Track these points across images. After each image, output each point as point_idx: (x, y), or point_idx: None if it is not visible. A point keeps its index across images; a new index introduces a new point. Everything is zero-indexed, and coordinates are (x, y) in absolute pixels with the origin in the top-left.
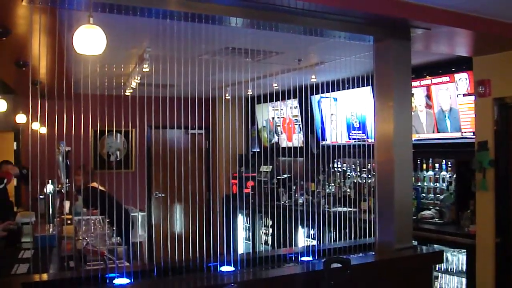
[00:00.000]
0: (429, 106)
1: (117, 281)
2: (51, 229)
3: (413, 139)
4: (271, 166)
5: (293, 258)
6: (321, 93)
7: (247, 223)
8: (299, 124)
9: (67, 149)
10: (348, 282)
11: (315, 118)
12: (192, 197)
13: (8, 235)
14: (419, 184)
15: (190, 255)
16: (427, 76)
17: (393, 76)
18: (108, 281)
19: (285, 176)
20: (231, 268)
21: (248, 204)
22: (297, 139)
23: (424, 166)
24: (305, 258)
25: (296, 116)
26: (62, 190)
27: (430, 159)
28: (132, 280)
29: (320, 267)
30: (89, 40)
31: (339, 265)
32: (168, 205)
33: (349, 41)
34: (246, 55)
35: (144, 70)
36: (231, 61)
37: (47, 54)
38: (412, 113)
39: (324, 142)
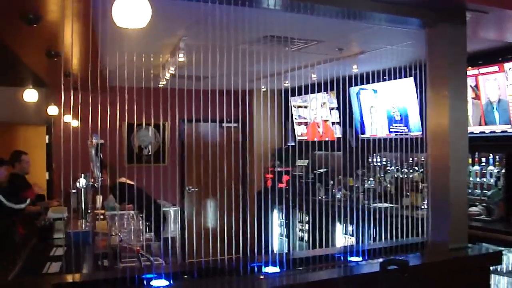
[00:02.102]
0: (476, 97)
1: (155, 282)
2: (83, 225)
3: None
4: (307, 160)
5: (341, 258)
6: (360, 84)
7: (282, 219)
8: (332, 121)
9: (100, 142)
10: (405, 285)
11: (354, 111)
12: (226, 192)
13: (40, 230)
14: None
15: (225, 252)
16: (474, 66)
17: (447, 64)
18: (145, 282)
19: (322, 170)
20: (276, 269)
21: (284, 199)
22: (335, 132)
23: (470, 160)
24: (354, 259)
25: (333, 108)
26: (96, 185)
27: (476, 153)
28: (172, 282)
29: (375, 269)
30: (131, 10)
31: (395, 267)
32: (201, 200)
33: (394, 27)
34: (285, 43)
35: (179, 60)
36: (269, 50)
37: (79, 43)
38: None
39: (363, 136)
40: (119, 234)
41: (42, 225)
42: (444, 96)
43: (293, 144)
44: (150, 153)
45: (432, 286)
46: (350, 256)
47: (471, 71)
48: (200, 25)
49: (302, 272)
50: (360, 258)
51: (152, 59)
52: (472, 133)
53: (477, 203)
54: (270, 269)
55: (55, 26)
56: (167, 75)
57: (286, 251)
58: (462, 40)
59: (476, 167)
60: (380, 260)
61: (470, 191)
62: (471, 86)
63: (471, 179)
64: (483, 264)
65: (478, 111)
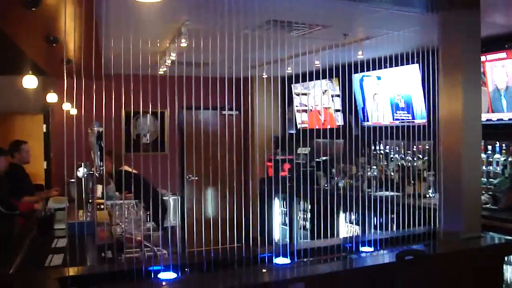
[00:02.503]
0: (483, 84)
1: (163, 275)
2: (84, 215)
3: None
4: (308, 148)
5: (353, 249)
6: (364, 71)
7: (283, 207)
8: (334, 109)
9: (100, 130)
10: (420, 276)
11: (357, 98)
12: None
13: (40, 221)
14: None
15: (228, 241)
16: (481, 52)
17: (461, 49)
18: (153, 275)
19: (323, 158)
20: (287, 261)
21: (285, 187)
22: (337, 120)
23: None
24: (365, 249)
25: (335, 95)
26: (96, 174)
27: (482, 141)
28: (180, 274)
29: (390, 259)
30: None
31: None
32: (201, 189)
33: (403, 11)
34: (290, 28)
35: (181, 45)
36: (272, 36)
37: (79, 28)
38: None
39: (365, 123)
40: (121, 224)
41: (43, 215)
42: (457, 83)
43: (294, 132)
44: (149, 141)
45: (446, 276)
46: (361, 246)
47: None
48: (203, 9)
49: (314, 263)
50: (371, 248)
51: (151, 45)
52: None
53: (483, 192)
54: (280, 260)
55: (54, 10)
56: (168, 62)
57: (288, 240)
58: (476, 24)
59: (482, 155)
60: (393, 250)
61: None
62: None
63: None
64: (497, 254)
65: (485, 98)
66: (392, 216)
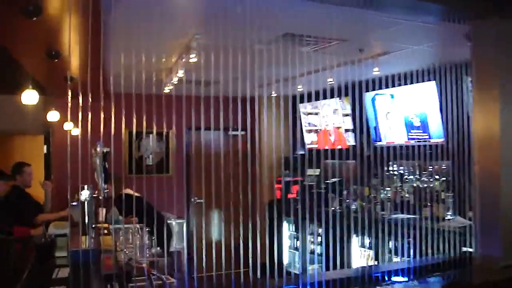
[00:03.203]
0: None
1: None
2: (87, 241)
3: None
4: (318, 170)
5: (385, 278)
6: (376, 89)
7: (292, 231)
8: (345, 129)
9: (105, 150)
10: None
11: (369, 117)
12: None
13: (40, 248)
14: None
15: (234, 266)
16: None
17: (498, 60)
18: None
19: (334, 180)
20: None
21: (294, 210)
22: (348, 140)
23: None
24: (398, 279)
25: (346, 115)
26: (100, 197)
27: None
28: None
29: None
30: None
31: None
32: (207, 212)
33: (424, 22)
34: (304, 42)
35: (190, 61)
36: (285, 51)
37: (81, 42)
38: None
39: (378, 143)
40: (125, 250)
41: (43, 242)
42: (494, 98)
43: (303, 152)
44: (152, 163)
45: None
46: (392, 276)
47: None
48: (213, 23)
49: None
50: (404, 278)
51: (157, 62)
52: None
53: None
54: None
55: (57, 21)
56: (175, 80)
57: (299, 265)
58: None
59: None
60: (429, 280)
61: None
62: None
63: None
64: None
65: None
66: (409, 240)
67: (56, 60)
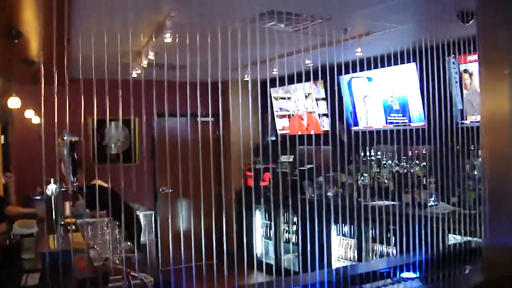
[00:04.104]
0: None
1: None
2: (57, 241)
3: (469, 120)
4: (292, 156)
5: (391, 275)
6: (353, 72)
7: (266, 219)
8: (318, 113)
9: (74, 140)
10: None
11: (345, 101)
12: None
13: (4, 251)
14: (476, 173)
15: (205, 257)
16: None
17: (506, 34)
18: None
19: (309, 166)
20: None
21: (267, 198)
22: (322, 125)
23: (480, 152)
24: (407, 275)
25: (320, 99)
26: (70, 190)
27: None
28: None
29: None
30: None
31: None
32: (175, 202)
33: None
34: (287, 21)
35: (166, 41)
36: (262, 31)
37: (44, 21)
38: (467, 91)
39: (355, 128)
40: (96, 247)
41: (7, 244)
42: (503, 75)
43: (274, 139)
44: (118, 152)
45: None
46: (400, 272)
47: None
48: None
49: None
50: (414, 274)
51: (126, 44)
52: None
53: None
54: None
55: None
56: (144, 63)
57: (273, 255)
58: None
59: None
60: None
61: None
62: None
63: None
64: None
65: None
66: (394, 227)
67: (16, 41)
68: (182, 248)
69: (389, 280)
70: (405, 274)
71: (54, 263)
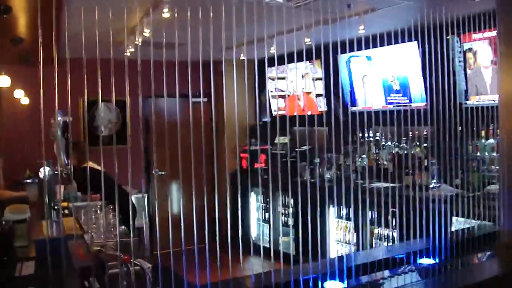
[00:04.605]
0: (495, 62)
1: None
2: (50, 226)
3: (472, 101)
4: (288, 137)
5: (405, 261)
6: (352, 51)
7: (261, 202)
8: (316, 94)
9: (67, 120)
10: None
11: (343, 81)
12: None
13: None
14: (479, 154)
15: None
16: (493, 27)
17: None
18: None
19: (305, 148)
20: (340, 285)
21: (262, 180)
22: (319, 106)
23: (483, 133)
24: (425, 261)
25: (317, 79)
26: (64, 173)
27: (492, 125)
28: None
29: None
30: None
31: None
32: (169, 184)
33: None
34: None
35: (164, 16)
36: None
37: None
38: (471, 71)
39: (353, 108)
40: (91, 232)
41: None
42: None
43: (269, 119)
44: (109, 134)
45: None
46: (420, 258)
47: (489, 33)
48: None
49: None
50: (432, 261)
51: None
52: (488, 102)
53: (494, 181)
54: (331, 285)
55: None
56: (139, 40)
57: (268, 238)
58: None
59: (491, 141)
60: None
61: (485, 167)
62: (490, 49)
63: (486, 154)
64: None
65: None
66: (393, 210)
67: (5, 16)
68: (182, 232)
69: (408, 267)
70: (423, 260)
71: (49, 251)
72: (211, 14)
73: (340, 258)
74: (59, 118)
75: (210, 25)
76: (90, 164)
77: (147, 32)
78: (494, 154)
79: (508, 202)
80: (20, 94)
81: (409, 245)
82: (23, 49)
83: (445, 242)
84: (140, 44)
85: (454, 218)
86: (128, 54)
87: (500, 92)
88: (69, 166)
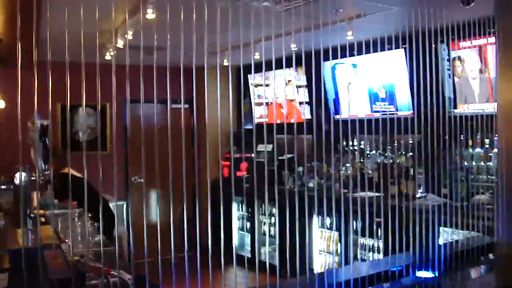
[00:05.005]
0: (483, 71)
1: None
2: (26, 235)
3: (460, 109)
4: (270, 145)
5: (404, 273)
6: (336, 58)
7: (242, 211)
8: (299, 101)
9: (45, 124)
10: None
11: (327, 89)
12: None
13: None
14: (466, 163)
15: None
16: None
17: None
18: None
19: (288, 156)
20: None
21: (243, 189)
22: (303, 114)
23: (470, 142)
24: (422, 274)
25: (301, 86)
26: (41, 179)
27: (478, 134)
28: None
29: None
30: None
31: None
32: (147, 192)
33: None
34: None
35: (147, 17)
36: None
37: None
38: (458, 80)
39: (337, 117)
40: (68, 241)
41: None
42: None
43: (251, 127)
44: (87, 139)
45: None
46: (418, 270)
47: (477, 41)
48: None
49: None
50: (430, 274)
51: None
52: (476, 111)
53: (482, 191)
54: None
55: None
56: (120, 43)
57: (249, 248)
58: None
59: (478, 150)
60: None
61: (472, 177)
62: (478, 58)
63: (473, 163)
64: None
65: (486, 87)
66: (378, 219)
67: None
68: (158, 241)
69: (407, 279)
70: (421, 273)
71: (24, 261)
72: (194, 17)
73: (329, 273)
74: (37, 121)
75: (192, 29)
76: (68, 170)
77: (130, 35)
78: (482, 163)
79: (506, 213)
80: None
81: (405, 257)
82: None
83: (439, 253)
84: (122, 46)
85: (441, 228)
86: (109, 57)
87: (499, 100)
88: (47, 172)
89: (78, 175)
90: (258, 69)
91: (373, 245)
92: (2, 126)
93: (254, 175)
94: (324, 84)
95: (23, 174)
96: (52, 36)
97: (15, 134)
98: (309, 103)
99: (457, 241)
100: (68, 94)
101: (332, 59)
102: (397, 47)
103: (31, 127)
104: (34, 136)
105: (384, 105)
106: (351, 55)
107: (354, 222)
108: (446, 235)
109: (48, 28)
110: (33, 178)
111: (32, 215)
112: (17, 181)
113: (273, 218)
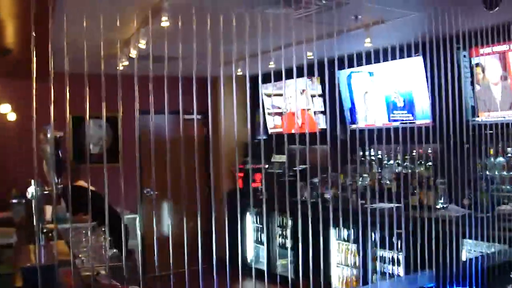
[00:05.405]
0: (504, 77)
1: None
2: (39, 252)
3: (481, 117)
4: (284, 156)
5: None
6: (352, 66)
7: (257, 223)
8: (314, 111)
9: (58, 136)
10: None
11: (343, 98)
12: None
13: None
14: (488, 173)
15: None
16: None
17: None
18: None
19: (304, 167)
20: None
21: (259, 201)
22: (318, 123)
23: (492, 151)
24: None
25: (315, 95)
26: (53, 193)
27: (501, 142)
28: None
29: None
30: None
31: None
32: (161, 205)
33: None
34: (297, 5)
35: (162, 25)
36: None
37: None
38: (479, 87)
39: (354, 126)
40: (81, 257)
41: None
42: None
43: (265, 137)
44: (99, 152)
45: None
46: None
47: (498, 47)
48: None
49: None
50: None
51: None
52: (498, 119)
53: (506, 201)
54: None
55: None
56: (133, 53)
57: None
58: None
59: (501, 159)
60: None
61: (495, 186)
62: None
63: (496, 173)
64: None
65: (508, 94)
66: (399, 231)
67: None
68: (170, 255)
69: None
70: None
71: (37, 279)
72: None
73: None
74: (49, 134)
75: (207, 38)
76: (81, 183)
77: (142, 43)
78: (505, 173)
79: None
80: (6, 109)
81: (428, 275)
82: (9, 61)
83: (463, 269)
84: (135, 56)
85: (465, 241)
86: (122, 68)
87: None
88: (60, 186)
89: (92, 188)
90: (274, 78)
91: (392, 257)
92: (13, 139)
93: (268, 186)
94: (340, 93)
95: (35, 187)
96: (62, 47)
97: (28, 146)
98: (324, 112)
99: (482, 255)
100: (87, 105)
101: (347, 67)
102: (416, 53)
103: (43, 139)
104: (46, 148)
105: (403, 113)
106: (367, 63)
107: (373, 234)
108: (469, 247)
109: (65, 39)
110: (45, 192)
111: (45, 230)
112: (29, 195)
113: (288, 230)
